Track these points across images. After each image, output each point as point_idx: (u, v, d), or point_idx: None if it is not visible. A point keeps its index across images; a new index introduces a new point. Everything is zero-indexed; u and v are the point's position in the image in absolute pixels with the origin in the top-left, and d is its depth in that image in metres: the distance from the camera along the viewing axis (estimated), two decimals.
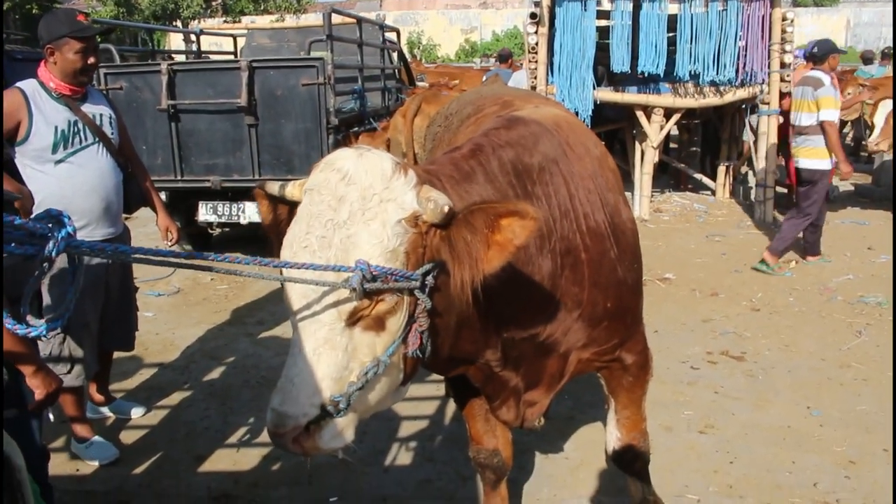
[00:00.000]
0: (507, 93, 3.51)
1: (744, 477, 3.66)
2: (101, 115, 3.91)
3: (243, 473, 3.77)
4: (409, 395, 4.45)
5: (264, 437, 4.02)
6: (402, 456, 3.92)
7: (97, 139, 3.85)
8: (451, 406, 4.38)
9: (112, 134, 3.95)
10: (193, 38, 9.78)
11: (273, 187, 2.01)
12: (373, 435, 4.09)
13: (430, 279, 1.83)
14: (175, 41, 26.68)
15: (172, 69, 6.82)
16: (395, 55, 9.92)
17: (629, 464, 2.92)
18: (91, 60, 3.73)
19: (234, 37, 10.48)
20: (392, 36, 10.14)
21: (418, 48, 36.10)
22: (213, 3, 28.78)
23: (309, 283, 1.75)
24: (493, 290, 2.09)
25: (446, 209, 1.78)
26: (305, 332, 1.78)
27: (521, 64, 10.91)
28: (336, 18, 7.17)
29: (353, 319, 1.78)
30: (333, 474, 3.73)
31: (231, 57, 9.88)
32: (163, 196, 5.60)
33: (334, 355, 1.77)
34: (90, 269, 3.79)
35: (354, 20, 7.95)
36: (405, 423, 4.24)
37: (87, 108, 3.85)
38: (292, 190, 1.95)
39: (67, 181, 3.71)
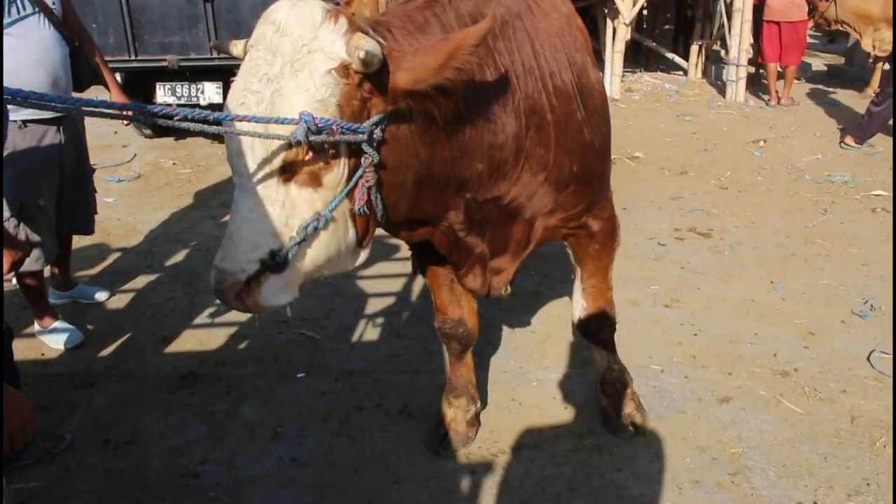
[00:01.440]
0: None
1: (707, 348, 3.72)
2: None
3: (210, 352, 3.75)
4: (376, 273, 4.45)
5: (230, 317, 4.00)
6: (368, 332, 3.93)
7: (37, 9, 3.61)
8: (418, 283, 4.37)
9: (53, 4, 3.70)
10: None
11: (228, 46, 1.95)
12: (339, 312, 4.08)
13: (378, 132, 1.78)
14: None
15: None
16: None
17: (594, 332, 2.92)
18: None
19: None
20: None
21: None
22: None
23: (251, 136, 1.68)
24: (453, 144, 2.03)
25: (369, 55, 1.67)
26: (245, 189, 1.75)
27: None
28: None
29: (288, 175, 1.73)
30: (300, 351, 3.73)
31: None
32: (118, 77, 5.35)
33: (272, 210, 1.74)
34: (41, 150, 3.63)
35: None
36: (371, 299, 4.23)
37: None
38: (240, 48, 1.88)
39: (9, 54, 3.48)
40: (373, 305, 4.17)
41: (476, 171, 2.19)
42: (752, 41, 9.25)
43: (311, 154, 1.72)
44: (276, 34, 1.72)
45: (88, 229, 4.19)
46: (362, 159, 1.78)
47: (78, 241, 4.48)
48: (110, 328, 4.03)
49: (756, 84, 9.81)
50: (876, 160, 6.84)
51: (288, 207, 1.75)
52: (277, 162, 1.71)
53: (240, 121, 1.67)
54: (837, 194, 6.00)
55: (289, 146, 1.68)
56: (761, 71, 9.95)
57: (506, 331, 3.88)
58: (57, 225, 3.84)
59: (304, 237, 1.76)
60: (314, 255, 1.83)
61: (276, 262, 1.74)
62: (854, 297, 4.23)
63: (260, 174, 1.74)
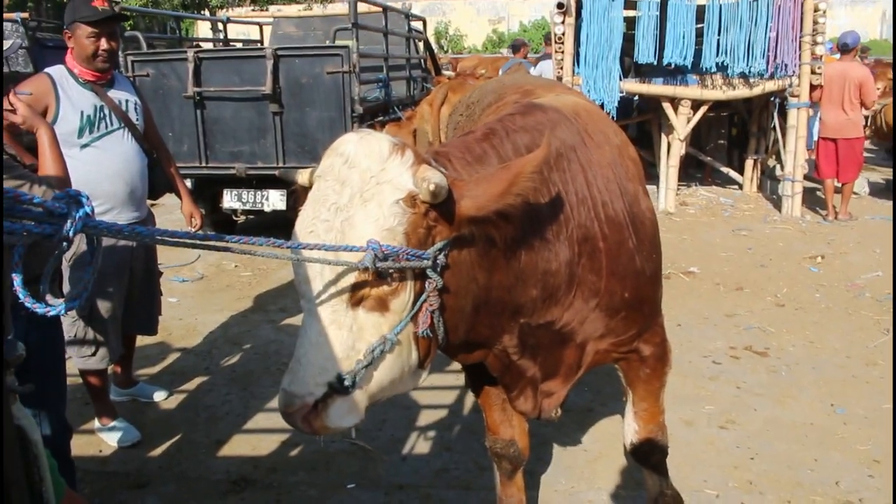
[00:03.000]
0: (529, 82, 3.49)
1: (764, 473, 3.61)
2: (126, 101, 3.96)
3: (262, 458, 3.80)
4: (427, 385, 4.47)
5: (284, 423, 4.04)
6: (419, 445, 3.93)
7: (122, 124, 3.90)
8: (470, 397, 4.37)
9: (137, 120, 4.00)
10: (221, 26, 9.84)
11: (293, 175, 2.05)
12: (391, 423, 4.10)
13: (441, 258, 1.85)
14: (202, 29, 26.84)
15: (199, 56, 6.86)
16: (420, 44, 9.90)
17: (646, 456, 2.89)
18: (104, 45, 3.75)
19: (261, 25, 10.53)
20: (418, 25, 10.11)
21: (445, 38, 35.97)
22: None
23: (321, 263, 1.77)
24: (510, 269, 2.11)
25: (438, 188, 1.77)
26: (313, 314, 1.81)
27: (544, 52, 10.85)
28: (362, 7, 7.18)
29: (356, 300, 1.81)
30: (351, 461, 3.75)
31: (257, 45, 9.93)
32: (188, 183, 5.67)
33: (339, 335, 1.80)
34: (114, 253, 3.84)
35: (380, 8, 7.95)
36: (424, 412, 4.25)
37: (113, 94, 3.90)
38: (305, 177, 1.98)
39: (93, 165, 3.76)
40: (425, 418, 4.19)
41: (531, 296, 2.26)
42: (807, 157, 9.30)
43: (378, 280, 1.79)
44: (344, 165, 1.82)
45: (153, 330, 4.37)
46: (426, 284, 1.85)
47: (140, 340, 4.64)
48: (166, 428, 4.13)
49: (813, 199, 9.78)
50: None
51: (355, 331, 1.82)
52: (346, 287, 1.78)
53: (310, 249, 1.77)
54: None
55: (357, 272, 1.75)
56: (818, 186, 9.95)
57: (557, 448, 3.84)
58: (122, 324, 4.02)
59: (370, 361, 1.81)
60: (379, 378, 1.88)
61: (343, 385, 1.79)
62: None
63: (328, 299, 1.81)
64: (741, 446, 3.86)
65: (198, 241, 1.64)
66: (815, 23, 8.57)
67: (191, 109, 6.96)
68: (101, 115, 3.83)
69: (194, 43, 10.72)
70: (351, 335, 1.82)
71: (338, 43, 7.16)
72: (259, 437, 4.00)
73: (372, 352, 1.81)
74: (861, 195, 10.09)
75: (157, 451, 3.90)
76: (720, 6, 8.64)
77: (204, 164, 7.15)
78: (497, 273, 2.11)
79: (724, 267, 7.13)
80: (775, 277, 6.81)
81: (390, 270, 1.77)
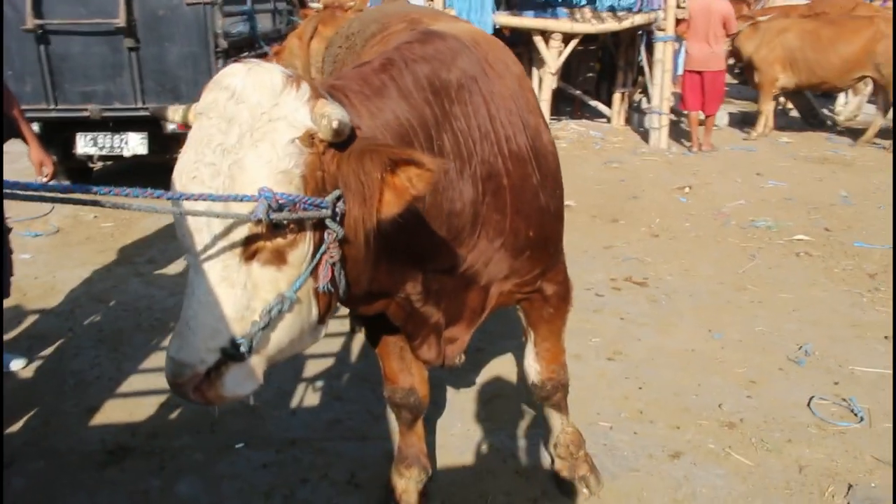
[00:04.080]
0: (415, 10, 3.30)
1: (653, 402, 3.71)
2: None
3: (141, 424, 3.54)
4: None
5: (162, 383, 3.77)
6: (309, 397, 3.78)
7: None
8: (358, 342, 4.25)
9: None
10: None
11: (166, 112, 1.80)
12: (278, 376, 3.91)
13: (340, 205, 1.69)
14: None
15: None
16: None
17: (549, 396, 2.87)
18: None
19: None
20: None
21: None
22: None
23: (208, 216, 1.56)
24: (413, 217, 1.96)
25: (342, 124, 1.60)
26: (200, 270, 1.62)
27: None
28: None
29: (250, 253, 1.62)
30: (238, 419, 3.54)
31: None
32: (35, 127, 5.12)
33: (232, 293, 1.62)
34: None
35: None
36: (310, 361, 4.08)
37: None
38: (180, 115, 1.76)
39: None
40: (311, 367, 4.02)
41: (435, 240, 2.13)
42: (672, 90, 9.57)
43: (273, 231, 1.61)
44: (231, 100, 1.62)
45: (4, 292, 3.93)
46: (326, 234, 1.69)
47: None
48: (29, 399, 3.76)
49: (678, 131, 10.11)
50: (794, 205, 7.09)
51: (250, 289, 1.64)
52: (238, 241, 1.60)
53: (195, 199, 1.55)
54: (762, 239, 6.17)
55: (250, 224, 1.57)
56: (682, 118, 10.29)
57: (450, 392, 3.79)
58: None
59: (267, 321, 1.65)
60: (278, 339, 1.72)
61: (238, 350, 1.62)
62: (789, 343, 4.31)
63: (218, 254, 1.62)
64: (630, 376, 3.95)
65: (59, 195, 1.38)
66: None
67: (32, 44, 6.27)
68: None
69: None
70: (245, 294, 1.63)
71: None
72: (135, 400, 3.73)
73: (269, 311, 1.64)
74: (720, 127, 10.52)
75: (20, 426, 3.55)
76: None
77: (52, 106, 6.50)
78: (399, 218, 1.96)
79: (599, 199, 7.26)
80: (648, 208, 7.00)
81: (286, 222, 1.58)
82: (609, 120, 10.75)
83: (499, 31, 9.31)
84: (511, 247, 2.36)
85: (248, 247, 1.62)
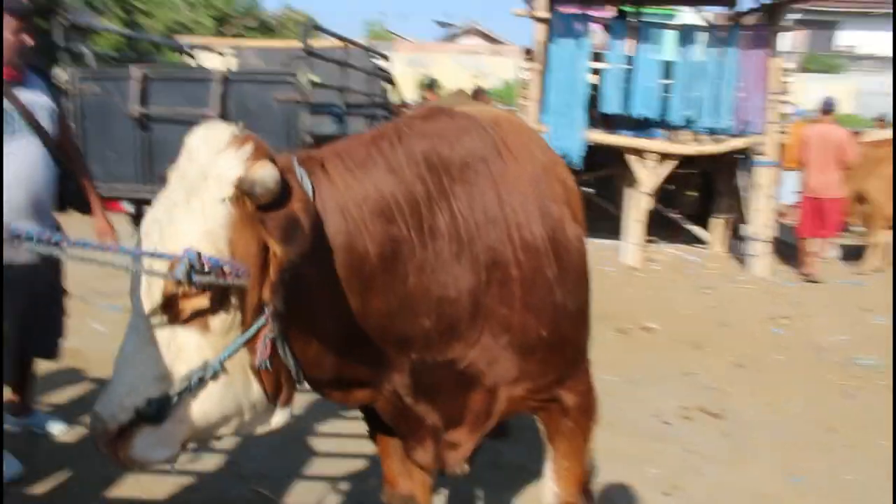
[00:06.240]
0: (459, 103, 3.21)
1: None
2: (37, 105, 3.64)
3: (153, 502, 3.37)
4: (343, 430, 4.05)
5: (179, 462, 3.65)
6: (330, 497, 3.52)
7: (30, 129, 3.57)
8: None
9: (49, 126, 3.67)
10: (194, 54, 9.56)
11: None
12: (300, 469, 3.70)
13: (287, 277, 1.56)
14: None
15: (146, 76, 6.54)
16: (386, 84, 9.67)
17: None
18: (26, 41, 3.45)
19: (219, 52, 10.22)
20: (382, 63, 9.90)
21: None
22: (225, 29, 28.84)
23: (134, 271, 1.51)
24: (390, 293, 1.79)
25: (263, 187, 1.48)
26: (132, 327, 1.57)
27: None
28: (326, 43, 6.95)
29: (175, 315, 1.54)
30: None
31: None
32: (128, 207, 5.28)
33: (155, 353, 1.54)
34: (10, 266, 3.46)
35: (342, 43, 7.71)
36: (338, 460, 3.81)
37: (24, 96, 3.58)
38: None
39: None
40: (337, 466, 3.76)
41: (422, 327, 1.92)
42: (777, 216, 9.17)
43: (198, 294, 1.51)
44: (187, 159, 1.60)
45: (52, 355, 3.93)
46: (265, 306, 1.55)
47: (52, 367, 4.27)
48: (55, 463, 3.69)
49: (782, 259, 9.60)
50: None
51: (174, 351, 1.54)
52: (161, 300, 1.53)
53: (123, 254, 1.50)
54: (865, 379, 5.57)
55: (175, 283, 1.48)
56: (785, 246, 9.81)
57: None
58: (18, 347, 3.61)
59: (187, 387, 1.54)
60: (204, 410, 1.59)
61: (152, 411, 1.52)
62: (882, 497, 3.74)
63: (149, 312, 1.55)
64: None
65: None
66: (782, 82, 8.47)
67: (135, 130, 6.61)
68: (8, 118, 3.50)
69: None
70: (168, 355, 1.54)
71: (283, 70, 6.88)
72: (154, 477, 3.56)
73: (189, 378, 1.53)
74: (828, 259, 9.91)
75: (40, 489, 3.46)
76: (686, 63, 8.54)
77: (146, 186, 6.77)
78: (374, 297, 1.79)
79: (685, 325, 6.82)
80: (737, 337, 6.51)
81: (205, 284, 1.47)
82: (708, 245, 10.32)
83: (591, 149, 9.29)
84: (520, 346, 2.11)
85: (173, 307, 1.54)
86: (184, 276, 1.44)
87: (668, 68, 8.67)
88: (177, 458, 1.66)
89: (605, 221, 10.83)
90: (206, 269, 1.48)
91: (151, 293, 1.53)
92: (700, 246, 10.53)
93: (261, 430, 1.79)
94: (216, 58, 11.33)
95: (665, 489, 3.71)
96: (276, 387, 1.68)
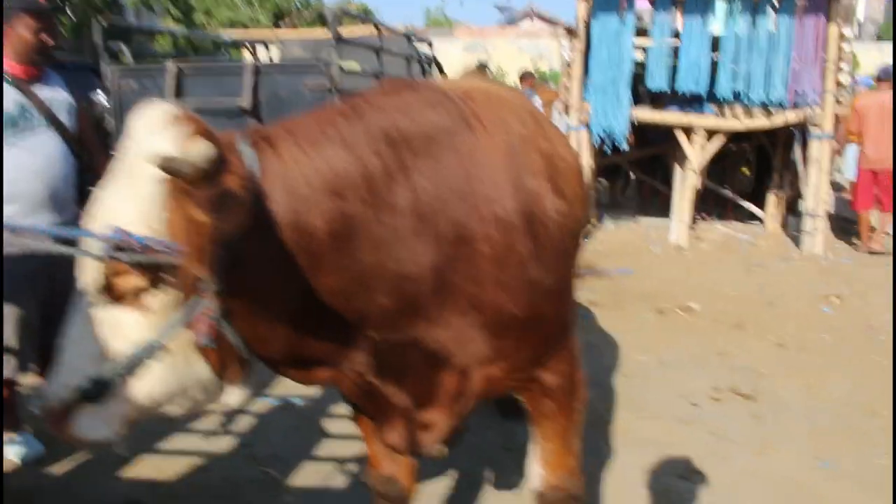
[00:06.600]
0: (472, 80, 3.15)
1: None
2: (56, 100, 3.73)
3: (162, 482, 3.45)
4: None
5: (191, 444, 3.74)
6: (337, 477, 3.53)
7: (49, 124, 3.66)
8: None
9: (68, 121, 3.76)
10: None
11: None
12: (309, 450, 3.73)
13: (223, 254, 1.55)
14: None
15: (180, 69, 6.67)
16: (426, 67, 9.61)
17: None
18: (46, 39, 3.54)
19: (260, 43, 10.31)
20: (426, 48, 9.83)
21: (488, 74, 35.85)
22: (284, 24, 29.22)
23: (66, 252, 1.54)
24: (343, 271, 1.77)
25: (196, 165, 1.45)
26: (76, 307, 1.62)
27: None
28: (364, 30, 6.95)
29: (114, 295, 1.56)
30: (261, 493, 3.38)
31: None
32: None
33: (97, 332, 1.57)
34: (29, 256, 3.56)
35: (379, 29, 7.69)
36: (348, 441, 3.81)
37: (42, 92, 3.67)
38: None
39: (12, 165, 3.51)
40: (348, 448, 3.76)
41: (380, 305, 1.89)
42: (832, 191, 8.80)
43: (135, 273, 1.51)
44: (128, 139, 1.61)
45: None
46: (203, 285, 1.55)
47: None
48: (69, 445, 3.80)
49: (843, 235, 9.24)
50: None
51: (114, 330, 1.57)
52: (99, 280, 1.56)
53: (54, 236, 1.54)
54: None
55: (113, 262, 1.52)
56: (847, 222, 9.44)
57: (492, 492, 3.40)
58: (41, 336, 3.72)
59: (127, 367, 1.56)
60: (147, 389, 1.61)
61: (93, 390, 1.55)
62: None
63: (88, 292, 1.58)
64: (703, 502, 3.38)
65: None
66: (840, 49, 8.08)
67: None
68: (26, 114, 3.60)
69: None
70: (109, 334, 1.57)
71: (318, 59, 6.90)
72: (163, 458, 3.64)
73: (128, 357, 1.55)
74: (890, 234, 9.46)
75: (58, 469, 3.57)
76: (736, 35, 8.21)
77: None
78: (326, 275, 1.76)
79: (729, 305, 6.61)
80: (782, 317, 6.27)
81: (135, 263, 1.48)
82: (763, 223, 9.97)
83: (643, 129, 9.08)
84: (492, 325, 2.06)
85: (112, 288, 1.56)
86: (109, 255, 1.46)
87: (717, 40, 8.36)
88: (125, 436, 1.68)
89: (656, 201, 10.60)
90: (135, 248, 1.48)
91: (88, 273, 1.56)
92: (755, 223, 10.19)
93: (219, 407, 1.82)
94: (263, 50, 11.49)
95: (683, 473, 3.60)
96: (223, 365, 1.68)
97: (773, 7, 8.17)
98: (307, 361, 1.91)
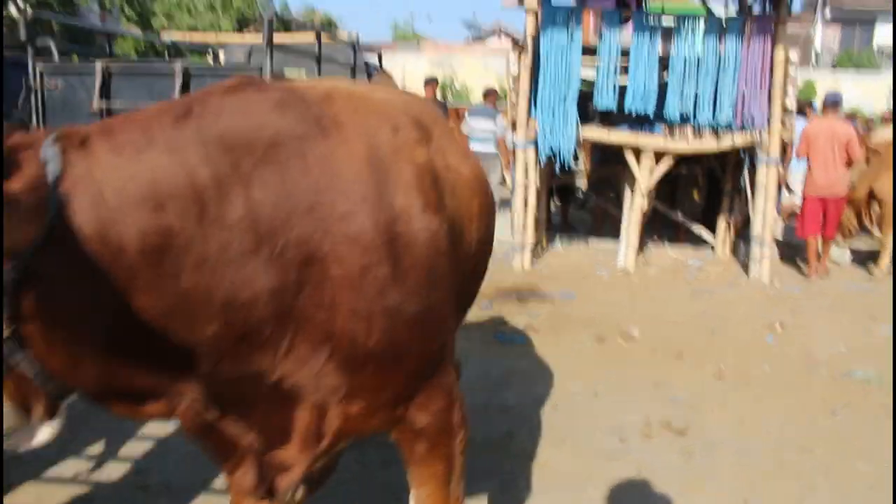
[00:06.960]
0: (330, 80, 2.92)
1: None
2: None
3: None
4: None
5: (82, 469, 3.42)
6: None
7: None
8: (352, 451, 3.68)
9: None
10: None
11: None
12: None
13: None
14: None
15: (108, 70, 6.37)
16: (377, 77, 9.42)
17: None
18: None
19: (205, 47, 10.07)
20: (375, 61, 9.66)
21: (451, 91, 35.74)
22: (247, 30, 28.96)
23: None
24: (160, 293, 1.51)
25: None
26: None
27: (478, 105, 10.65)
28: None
29: None
30: None
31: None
32: None
33: None
34: None
35: (326, 39, 7.49)
36: None
37: None
38: None
39: None
40: None
41: (206, 334, 1.61)
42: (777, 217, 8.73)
43: None
44: None
45: None
46: None
47: None
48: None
49: (791, 262, 9.15)
50: None
51: None
52: None
53: None
54: (855, 394, 5.13)
55: None
56: (795, 248, 9.38)
57: None
58: None
59: None
60: None
61: None
62: None
63: None
64: None
65: None
66: (786, 74, 8.00)
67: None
68: None
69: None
70: None
71: (252, 65, 6.67)
72: (45, 485, 3.29)
73: None
74: (840, 264, 9.40)
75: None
76: (685, 57, 8.11)
77: None
78: (140, 295, 1.50)
79: (670, 332, 6.39)
80: (723, 346, 6.07)
81: None
82: (713, 248, 9.85)
83: (598, 148, 8.95)
84: (346, 358, 1.79)
85: None
86: None
87: (666, 61, 8.24)
88: None
89: (609, 223, 10.44)
90: None
91: None
92: (706, 248, 10.07)
93: (24, 447, 1.55)
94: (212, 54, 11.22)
95: None
96: (25, 398, 1.43)
97: (722, 29, 8.08)
98: (129, 394, 1.64)
